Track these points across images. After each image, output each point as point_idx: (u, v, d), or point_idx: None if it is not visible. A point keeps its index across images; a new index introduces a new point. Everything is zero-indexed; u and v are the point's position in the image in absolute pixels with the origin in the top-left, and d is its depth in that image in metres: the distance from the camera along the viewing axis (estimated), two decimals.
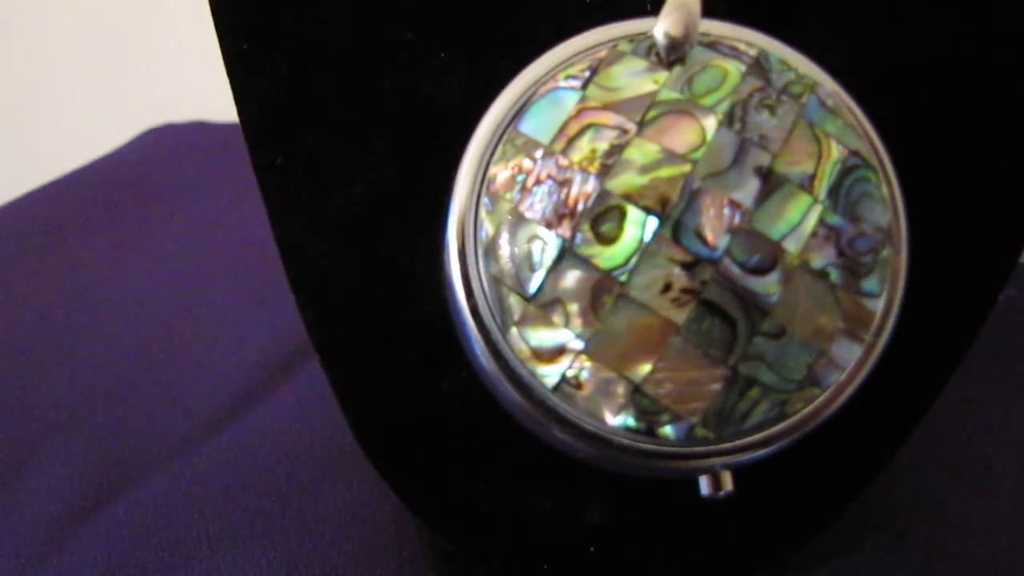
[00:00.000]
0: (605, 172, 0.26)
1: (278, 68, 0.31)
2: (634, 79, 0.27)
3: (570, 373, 0.26)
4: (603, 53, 0.28)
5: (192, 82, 0.67)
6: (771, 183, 0.26)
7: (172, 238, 0.57)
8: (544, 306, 0.26)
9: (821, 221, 0.26)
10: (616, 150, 0.26)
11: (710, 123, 0.26)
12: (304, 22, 0.31)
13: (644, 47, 0.28)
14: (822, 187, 0.26)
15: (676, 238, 0.26)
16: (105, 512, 0.37)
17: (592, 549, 0.31)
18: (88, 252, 0.56)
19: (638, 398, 0.26)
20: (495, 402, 0.28)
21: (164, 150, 0.66)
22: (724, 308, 0.26)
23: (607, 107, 0.27)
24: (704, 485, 0.27)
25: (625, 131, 0.26)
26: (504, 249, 0.27)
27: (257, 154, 0.31)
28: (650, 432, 0.26)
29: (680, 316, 0.25)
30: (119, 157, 0.67)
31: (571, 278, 0.26)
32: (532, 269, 0.26)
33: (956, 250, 0.31)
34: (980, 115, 0.31)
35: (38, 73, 0.84)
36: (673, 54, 0.27)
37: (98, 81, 0.83)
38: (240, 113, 0.31)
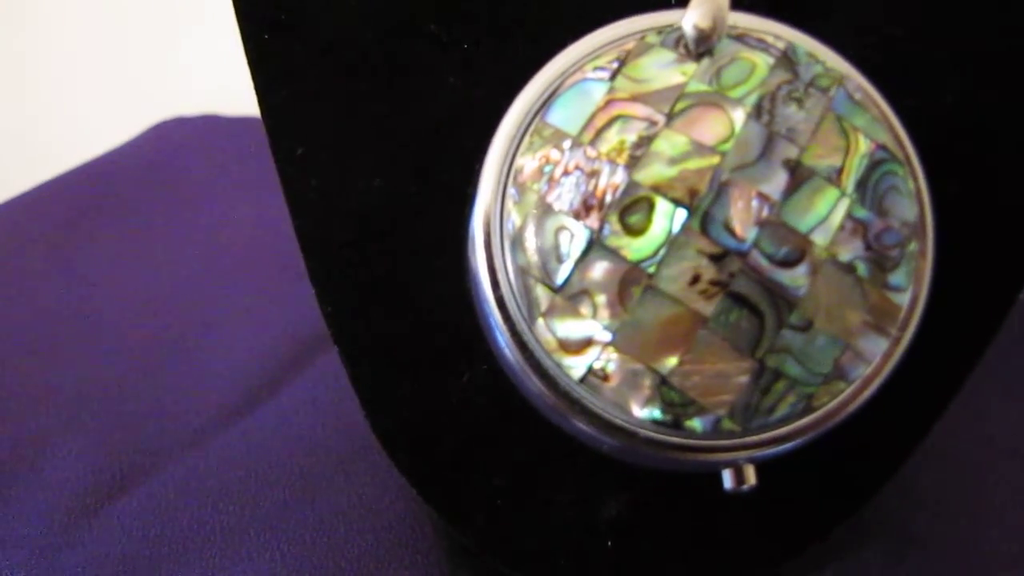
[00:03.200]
0: (633, 163, 0.26)
1: (300, 59, 0.31)
2: (662, 71, 0.27)
3: (597, 365, 0.26)
4: (631, 45, 0.28)
5: (202, 75, 0.67)
6: (799, 176, 0.26)
7: (183, 231, 0.57)
8: (571, 297, 0.26)
9: (849, 215, 0.26)
10: (645, 142, 0.26)
11: (738, 115, 0.26)
12: (326, 13, 0.31)
13: (672, 39, 0.28)
14: (850, 181, 0.26)
15: (704, 230, 0.25)
16: (118, 504, 0.37)
17: (610, 543, 0.31)
18: (99, 245, 0.56)
19: (665, 390, 0.26)
20: (515, 396, 0.28)
21: (174, 143, 0.66)
22: (752, 300, 0.25)
23: (635, 99, 0.27)
24: (727, 479, 0.27)
25: (654, 123, 0.26)
26: (531, 240, 0.27)
27: (278, 145, 0.30)
28: (676, 425, 0.26)
29: (708, 308, 0.25)
30: (129, 150, 0.67)
31: (599, 269, 0.26)
32: (559, 260, 0.26)
33: (980, 246, 0.31)
34: (1007, 111, 0.31)
35: (48, 66, 0.84)
36: (701, 46, 0.27)
37: (108, 74, 0.83)
38: (261, 104, 0.31)
